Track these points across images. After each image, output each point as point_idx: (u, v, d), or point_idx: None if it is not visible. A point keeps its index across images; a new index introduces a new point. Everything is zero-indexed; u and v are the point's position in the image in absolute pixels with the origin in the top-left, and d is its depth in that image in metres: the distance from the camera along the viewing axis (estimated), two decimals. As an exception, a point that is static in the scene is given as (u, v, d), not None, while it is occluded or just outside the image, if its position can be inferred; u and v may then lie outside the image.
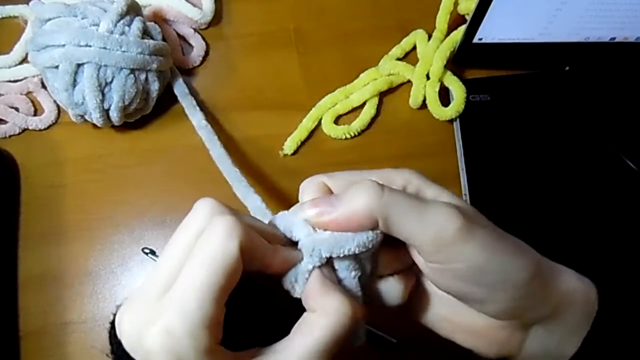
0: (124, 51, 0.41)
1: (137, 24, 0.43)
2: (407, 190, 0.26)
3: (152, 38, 0.44)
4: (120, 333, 0.22)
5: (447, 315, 0.28)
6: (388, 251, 0.26)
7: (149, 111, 0.46)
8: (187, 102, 0.47)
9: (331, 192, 0.26)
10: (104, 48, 0.41)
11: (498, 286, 0.24)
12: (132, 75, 0.42)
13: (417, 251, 0.25)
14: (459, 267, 0.24)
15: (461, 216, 0.23)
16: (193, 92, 0.48)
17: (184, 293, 0.20)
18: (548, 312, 0.25)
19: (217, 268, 0.20)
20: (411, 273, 0.27)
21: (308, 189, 0.26)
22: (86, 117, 0.43)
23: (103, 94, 0.42)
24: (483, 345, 0.27)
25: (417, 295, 0.28)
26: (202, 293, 0.20)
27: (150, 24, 0.45)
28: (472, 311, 0.26)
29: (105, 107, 0.42)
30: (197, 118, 0.45)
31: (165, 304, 0.21)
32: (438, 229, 0.23)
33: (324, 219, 0.24)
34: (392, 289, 0.27)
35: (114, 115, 0.43)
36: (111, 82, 0.42)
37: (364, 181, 0.24)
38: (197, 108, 0.47)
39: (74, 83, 0.41)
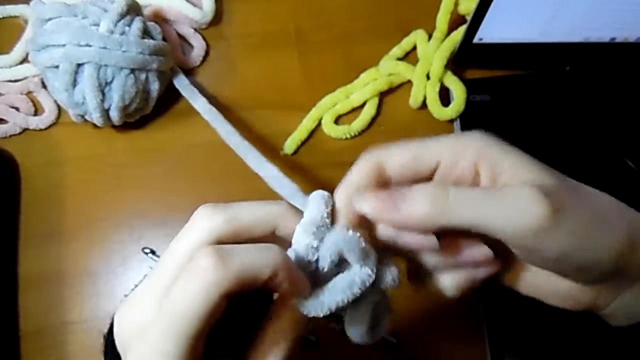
0: (124, 51, 0.41)
1: (137, 24, 0.43)
2: (479, 166, 0.24)
3: (152, 38, 0.44)
4: (116, 333, 0.24)
5: (533, 281, 0.26)
6: (448, 246, 0.24)
7: (149, 111, 0.46)
8: (188, 92, 0.46)
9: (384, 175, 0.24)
10: (104, 48, 0.41)
11: (588, 264, 0.23)
12: (132, 75, 0.42)
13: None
14: (546, 254, 0.22)
15: (545, 201, 0.21)
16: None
17: (161, 333, 0.21)
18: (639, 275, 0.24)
19: (195, 317, 0.20)
20: (471, 267, 0.26)
21: (363, 170, 0.24)
22: (86, 117, 0.43)
23: (103, 94, 0.42)
24: (569, 304, 0.26)
25: (501, 262, 0.27)
26: (177, 339, 0.20)
27: (151, 24, 0.45)
28: (560, 278, 0.25)
29: (106, 107, 0.42)
30: (201, 103, 0.43)
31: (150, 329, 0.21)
32: (519, 219, 0.21)
33: (385, 217, 0.23)
34: (446, 285, 0.26)
35: (114, 115, 0.43)
36: (111, 82, 0.42)
37: (422, 188, 0.22)
38: (200, 95, 0.46)
39: (74, 83, 0.41)
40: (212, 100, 0.48)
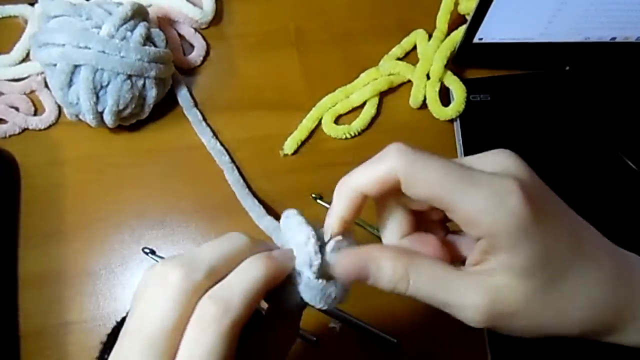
0: (122, 56, 0.41)
1: (140, 29, 0.43)
2: (483, 238, 0.23)
3: (154, 45, 0.44)
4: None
5: None
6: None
7: (144, 116, 0.46)
8: (185, 102, 0.47)
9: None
10: (103, 52, 0.41)
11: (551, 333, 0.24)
12: (128, 81, 0.42)
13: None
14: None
15: (488, 313, 0.23)
16: (194, 92, 0.49)
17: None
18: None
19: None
20: None
21: (343, 204, 0.25)
22: (80, 116, 0.44)
23: (97, 97, 0.42)
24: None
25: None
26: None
27: (155, 31, 0.45)
28: None
29: (99, 109, 0.42)
30: (193, 115, 0.47)
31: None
32: (464, 317, 0.23)
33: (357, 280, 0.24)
34: None
35: (108, 119, 0.43)
36: (107, 85, 0.42)
37: (388, 269, 0.24)
38: (194, 107, 0.47)
39: (70, 83, 0.41)
40: (213, 100, 0.49)
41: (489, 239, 0.23)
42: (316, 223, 0.26)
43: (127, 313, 0.23)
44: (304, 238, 0.25)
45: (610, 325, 0.24)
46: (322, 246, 0.25)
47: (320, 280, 0.25)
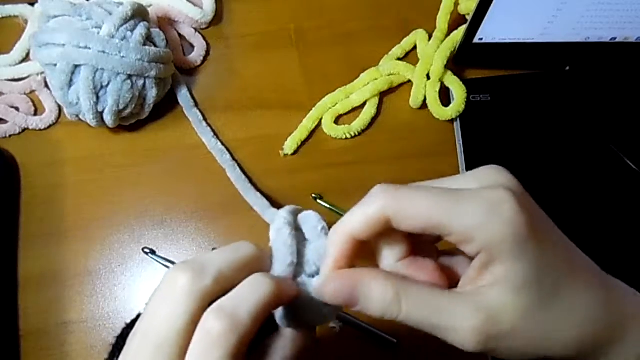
0: (122, 57, 0.41)
1: (140, 29, 0.43)
2: (480, 253, 0.23)
3: (155, 45, 0.44)
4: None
5: None
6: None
7: (145, 116, 0.46)
8: (185, 102, 0.47)
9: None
10: (103, 52, 0.40)
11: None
12: (128, 81, 0.42)
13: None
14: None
15: (481, 335, 0.22)
16: (194, 92, 0.49)
17: None
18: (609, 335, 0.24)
19: None
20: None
21: (364, 219, 0.24)
22: (80, 116, 0.44)
23: (97, 97, 0.42)
24: None
25: None
26: None
27: (155, 31, 0.45)
28: None
29: (99, 109, 0.42)
30: (193, 114, 0.47)
31: None
32: (455, 340, 0.23)
33: (346, 305, 0.24)
34: None
35: (108, 119, 0.43)
36: (107, 85, 0.42)
37: (379, 295, 0.23)
38: (195, 107, 0.47)
39: (70, 83, 0.41)
40: (213, 100, 0.49)
41: (486, 252, 0.22)
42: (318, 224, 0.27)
43: (137, 316, 0.23)
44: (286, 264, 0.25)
45: (604, 346, 0.24)
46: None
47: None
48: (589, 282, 0.24)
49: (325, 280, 0.24)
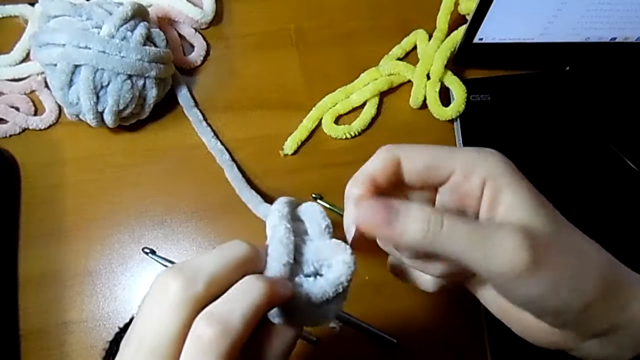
0: (122, 57, 0.41)
1: (140, 29, 0.43)
2: (485, 186, 0.25)
3: (155, 45, 0.44)
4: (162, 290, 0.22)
5: (501, 302, 0.27)
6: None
7: (145, 116, 0.46)
8: (185, 101, 0.47)
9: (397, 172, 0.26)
10: (103, 52, 0.40)
11: (557, 312, 0.24)
12: (129, 81, 0.42)
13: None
14: (519, 297, 0.24)
15: (529, 249, 0.22)
16: (194, 92, 0.49)
17: None
18: (606, 328, 0.24)
19: None
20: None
21: (380, 162, 0.25)
22: (80, 116, 0.44)
23: (98, 97, 0.42)
24: (532, 338, 0.27)
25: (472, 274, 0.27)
26: None
27: (155, 31, 0.45)
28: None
29: (100, 109, 0.42)
30: (193, 114, 0.47)
31: None
32: (499, 265, 0.22)
33: (376, 232, 0.23)
34: (424, 281, 0.29)
35: (108, 119, 0.43)
36: (107, 85, 0.42)
37: (419, 211, 0.22)
38: (195, 107, 0.47)
39: (70, 83, 0.41)
40: (213, 100, 0.49)
41: (490, 183, 0.24)
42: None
43: (130, 320, 0.23)
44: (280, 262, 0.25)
45: (608, 299, 0.24)
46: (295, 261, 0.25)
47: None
48: (585, 238, 0.25)
49: (359, 204, 0.23)
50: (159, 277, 0.22)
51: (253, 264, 0.24)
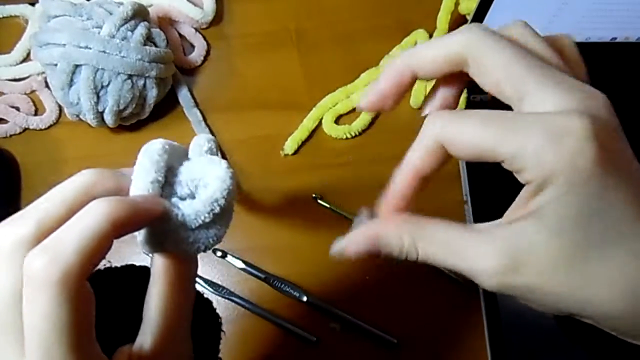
0: (123, 56, 0.41)
1: (141, 29, 0.43)
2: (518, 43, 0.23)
3: (155, 45, 0.44)
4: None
5: None
6: None
7: (145, 116, 0.46)
8: (186, 101, 0.47)
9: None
10: (103, 52, 0.41)
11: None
12: (129, 81, 0.42)
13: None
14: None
15: (498, 263, 0.20)
16: (194, 92, 0.49)
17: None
18: None
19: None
20: None
21: (390, 78, 0.26)
22: (81, 116, 0.44)
23: (98, 97, 0.42)
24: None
25: None
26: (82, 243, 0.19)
27: (155, 31, 0.45)
28: None
29: (100, 109, 0.42)
30: (193, 115, 0.48)
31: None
32: (478, 272, 0.21)
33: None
34: None
35: (108, 118, 0.43)
36: (107, 85, 0.42)
37: (400, 228, 0.23)
38: (195, 107, 0.47)
39: (71, 83, 0.41)
40: (213, 100, 0.49)
41: (536, 183, 0.20)
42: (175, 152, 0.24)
43: None
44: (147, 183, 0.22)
45: None
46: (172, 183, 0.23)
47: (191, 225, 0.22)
48: None
49: (347, 243, 0.24)
50: None
51: (103, 188, 0.22)
